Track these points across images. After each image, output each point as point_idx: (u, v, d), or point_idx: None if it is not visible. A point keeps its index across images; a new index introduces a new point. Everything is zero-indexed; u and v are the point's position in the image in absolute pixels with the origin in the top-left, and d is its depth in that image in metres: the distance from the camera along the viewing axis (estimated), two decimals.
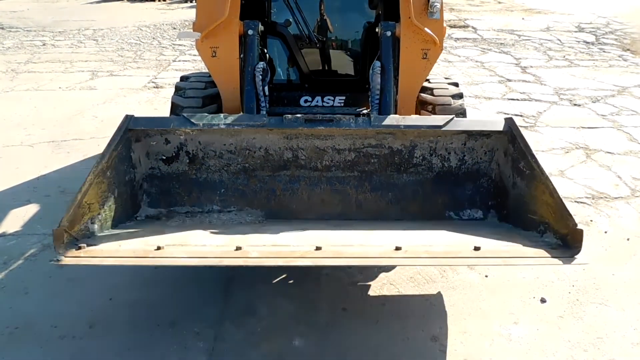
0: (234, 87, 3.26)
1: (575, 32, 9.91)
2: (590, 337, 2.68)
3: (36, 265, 3.17)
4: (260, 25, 3.20)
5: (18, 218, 3.68)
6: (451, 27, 10.12)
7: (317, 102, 3.60)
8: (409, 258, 2.06)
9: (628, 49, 8.70)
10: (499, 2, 12.92)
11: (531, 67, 7.59)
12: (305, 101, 3.61)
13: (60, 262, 2.04)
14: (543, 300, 2.89)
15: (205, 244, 2.24)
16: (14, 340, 2.61)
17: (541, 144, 4.99)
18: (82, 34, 9.55)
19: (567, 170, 4.46)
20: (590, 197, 4.02)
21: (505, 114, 5.74)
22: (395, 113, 3.09)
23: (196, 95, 3.50)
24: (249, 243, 2.21)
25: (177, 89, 3.62)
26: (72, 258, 2.05)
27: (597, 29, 10.15)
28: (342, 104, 3.60)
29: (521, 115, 5.70)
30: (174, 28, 10.04)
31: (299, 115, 2.59)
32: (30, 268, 3.14)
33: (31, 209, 3.79)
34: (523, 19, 11.06)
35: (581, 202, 3.95)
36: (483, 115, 5.69)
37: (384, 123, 2.58)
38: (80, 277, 3.04)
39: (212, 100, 3.48)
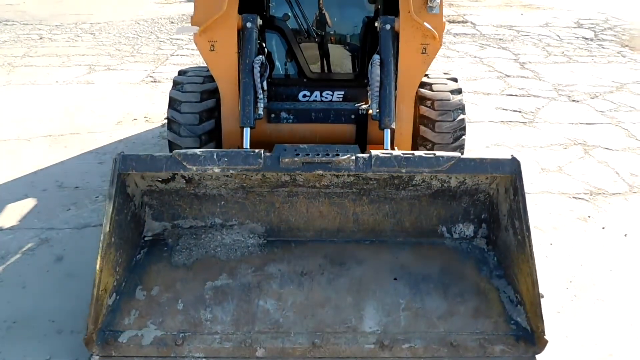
0: (232, 81, 3.25)
1: (574, 28, 9.90)
2: (588, 333, 2.68)
3: (34, 259, 3.16)
4: (258, 19, 3.19)
5: (15, 212, 3.67)
6: (450, 22, 10.09)
7: (316, 97, 3.59)
8: (395, 358, 2.38)
9: (627, 45, 8.70)
10: None
11: (530, 62, 7.59)
12: (304, 96, 3.60)
13: None
14: (541, 296, 2.88)
15: (217, 330, 2.44)
16: (12, 334, 2.61)
17: (539, 139, 5.00)
18: (79, 27, 9.50)
19: (565, 166, 4.46)
20: (588, 193, 4.03)
21: (503, 109, 5.74)
22: (395, 108, 3.08)
23: (194, 90, 3.48)
24: (256, 329, 2.45)
25: (175, 83, 3.60)
26: (105, 359, 2.37)
27: (595, 25, 10.14)
28: (341, 99, 3.59)
29: (520, 111, 5.70)
30: (172, 22, 10.00)
31: (296, 158, 2.52)
32: (28, 262, 3.14)
33: (28, 204, 3.78)
34: (522, 14, 11.05)
35: (579, 198, 3.96)
36: (482, 111, 5.69)
37: (384, 167, 2.53)
38: (78, 272, 3.04)
39: (210, 95, 3.46)
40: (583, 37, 9.18)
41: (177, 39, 8.71)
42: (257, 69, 3.06)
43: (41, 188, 3.99)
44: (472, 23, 10.22)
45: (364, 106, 3.42)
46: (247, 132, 3.01)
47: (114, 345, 2.38)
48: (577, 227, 3.59)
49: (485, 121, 5.43)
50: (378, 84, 3.05)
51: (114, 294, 2.53)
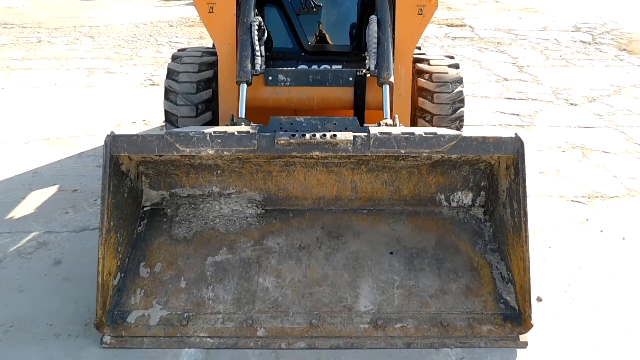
0: (230, 42, 3.31)
1: (572, 31, 9.92)
2: (587, 337, 2.68)
3: (31, 263, 3.16)
4: None
5: (13, 216, 3.67)
6: (448, 26, 10.12)
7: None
8: (387, 337, 2.45)
9: (624, 49, 8.72)
10: (497, 2, 12.93)
11: (528, 66, 7.61)
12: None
13: (109, 345, 2.46)
14: (539, 299, 2.89)
15: (219, 310, 2.52)
16: (9, 338, 2.60)
17: (538, 143, 5.00)
18: (78, 30, 9.51)
19: (563, 170, 4.47)
20: (586, 197, 4.04)
21: (502, 113, 5.75)
22: (393, 64, 3.12)
23: (193, 61, 3.57)
24: (256, 308, 2.52)
25: (174, 57, 3.69)
26: (117, 340, 2.46)
27: (593, 28, 10.16)
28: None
29: (518, 115, 5.71)
30: (171, 25, 10.01)
31: (292, 140, 2.49)
32: (26, 266, 3.13)
33: (26, 207, 3.78)
34: (520, 18, 11.07)
35: (577, 201, 3.96)
36: (480, 114, 5.70)
37: (382, 148, 2.52)
38: (76, 275, 3.03)
39: (208, 67, 3.55)
40: (581, 41, 9.20)
41: (176, 42, 8.72)
42: (255, 27, 3.10)
43: (39, 191, 3.99)
44: (470, 26, 10.24)
45: (363, 71, 3.44)
46: (243, 88, 3.00)
47: (122, 326, 2.46)
48: (575, 231, 3.60)
49: (483, 124, 5.44)
50: (375, 40, 3.11)
51: (119, 273, 2.58)
